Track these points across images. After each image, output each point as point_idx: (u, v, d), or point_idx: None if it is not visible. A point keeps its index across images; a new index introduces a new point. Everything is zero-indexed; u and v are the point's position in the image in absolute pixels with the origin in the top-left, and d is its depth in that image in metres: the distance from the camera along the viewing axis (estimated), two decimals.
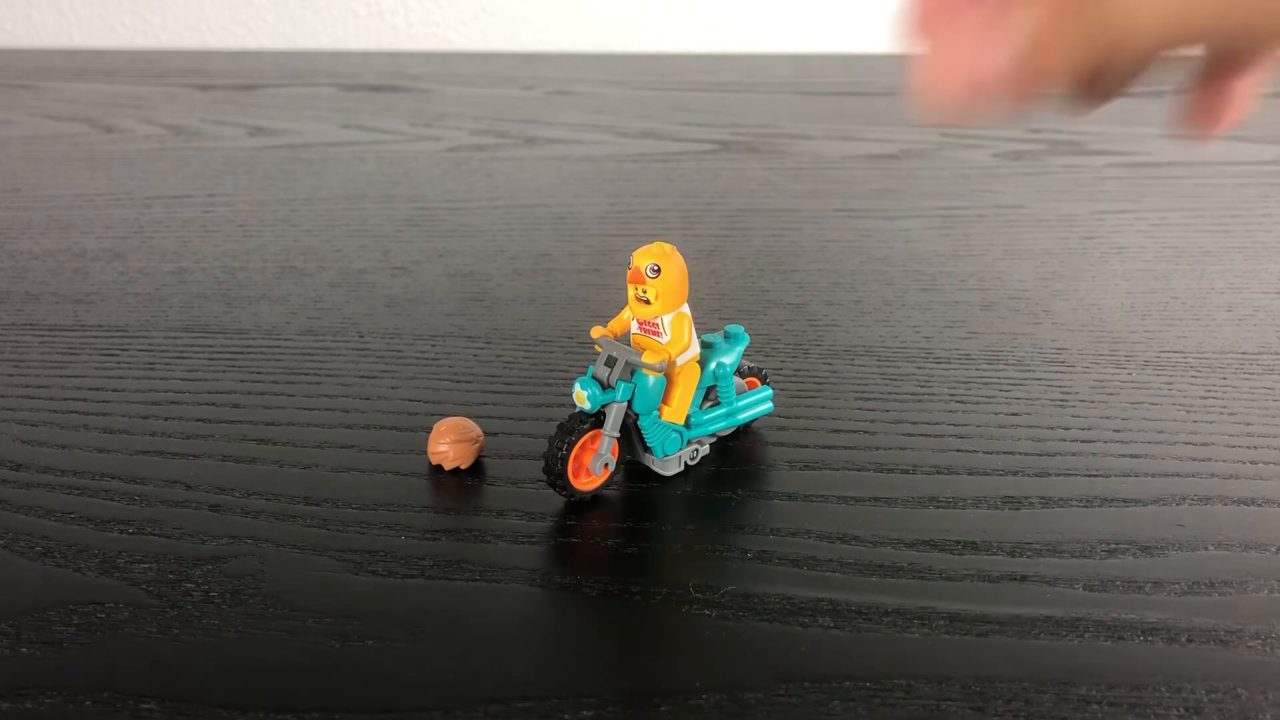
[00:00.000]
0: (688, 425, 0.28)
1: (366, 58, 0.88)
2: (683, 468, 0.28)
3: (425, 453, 0.29)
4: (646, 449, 0.27)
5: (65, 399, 0.33)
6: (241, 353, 0.36)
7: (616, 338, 0.27)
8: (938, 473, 0.29)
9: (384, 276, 0.43)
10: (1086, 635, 0.23)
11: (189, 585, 0.24)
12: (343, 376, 0.34)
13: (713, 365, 0.28)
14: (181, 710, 0.21)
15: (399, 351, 0.36)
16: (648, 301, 0.25)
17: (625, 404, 0.26)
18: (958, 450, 0.30)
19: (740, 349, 0.28)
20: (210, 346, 0.36)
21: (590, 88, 0.78)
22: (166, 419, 0.32)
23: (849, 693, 0.21)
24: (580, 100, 0.75)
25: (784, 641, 0.23)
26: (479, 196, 0.54)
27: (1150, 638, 0.22)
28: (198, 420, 0.31)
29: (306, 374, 0.34)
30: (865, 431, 0.31)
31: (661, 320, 0.26)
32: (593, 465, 0.27)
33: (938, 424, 0.31)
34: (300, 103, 0.74)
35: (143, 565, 0.25)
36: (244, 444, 0.30)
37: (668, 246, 0.25)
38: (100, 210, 0.51)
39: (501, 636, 0.23)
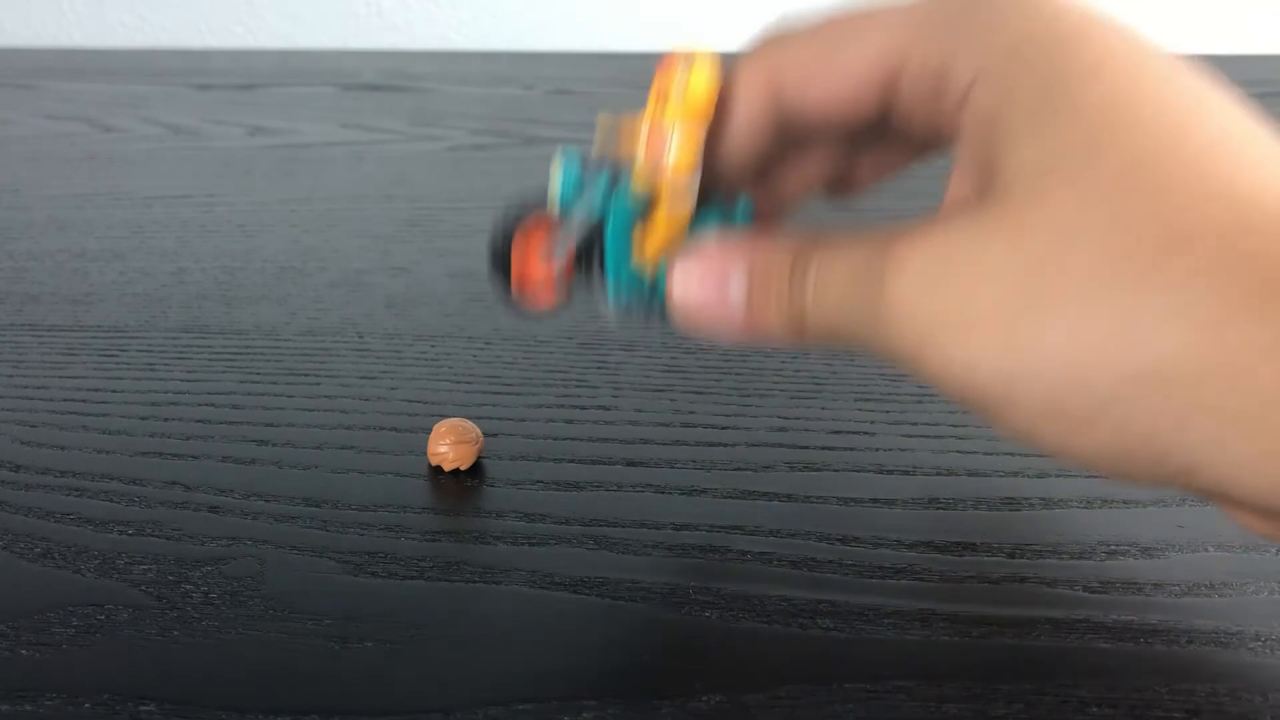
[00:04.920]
0: (655, 288, 0.23)
1: (366, 58, 0.88)
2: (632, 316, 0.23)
3: (425, 454, 0.29)
4: (602, 272, 0.23)
5: (64, 399, 0.33)
6: (241, 353, 0.36)
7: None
8: (938, 474, 0.29)
9: (384, 276, 0.43)
10: (1086, 636, 0.23)
11: (188, 587, 0.24)
12: (342, 377, 0.34)
13: (712, 216, 0.23)
14: (181, 712, 0.21)
15: (399, 352, 0.36)
16: (667, 101, 0.21)
17: (597, 224, 0.22)
18: (958, 451, 0.30)
19: (743, 218, 0.24)
20: (210, 347, 0.36)
21: (590, 88, 0.78)
22: (166, 420, 0.31)
23: (849, 693, 0.21)
24: (580, 100, 0.75)
25: (784, 643, 0.23)
26: (479, 196, 0.54)
27: (1150, 639, 0.22)
28: (197, 421, 0.31)
29: (306, 374, 0.34)
30: (865, 432, 0.31)
31: (672, 130, 0.22)
32: (543, 256, 0.23)
33: (938, 424, 0.31)
34: (300, 103, 0.74)
35: (142, 567, 0.25)
36: (243, 445, 0.30)
37: (712, 53, 0.22)
38: (100, 210, 0.51)
39: (501, 638, 0.23)
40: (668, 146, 0.22)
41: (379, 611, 0.23)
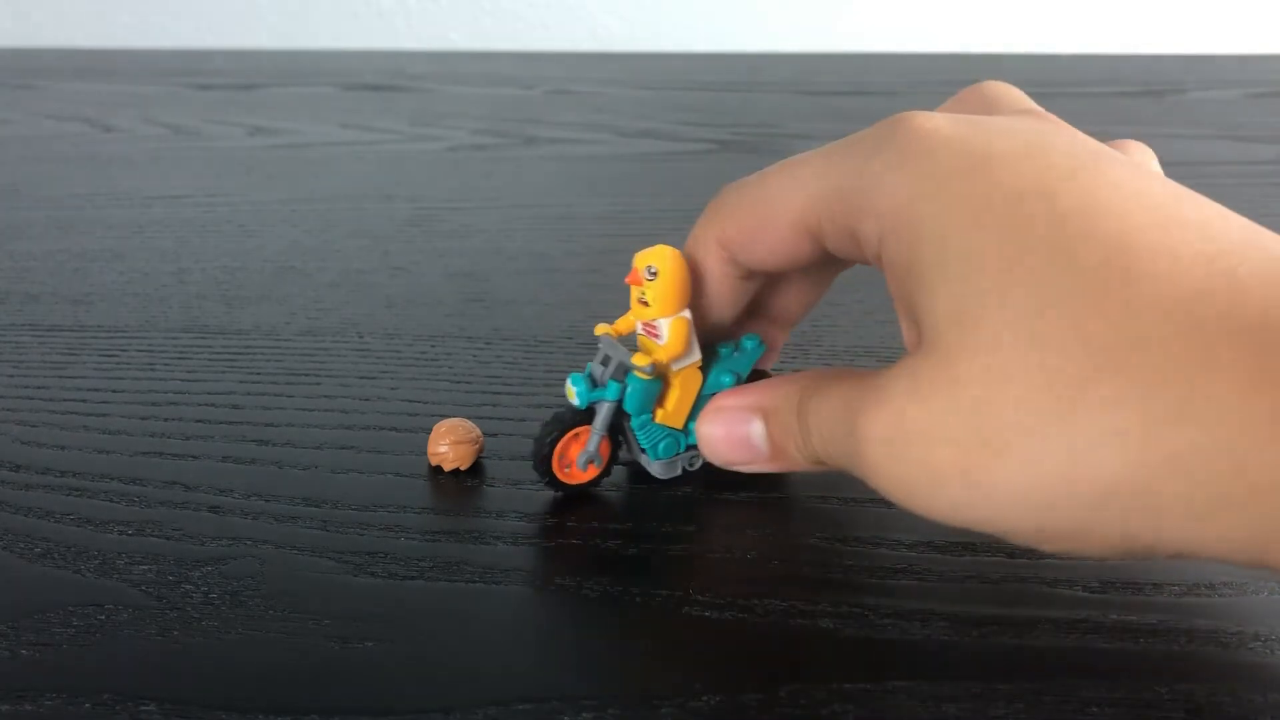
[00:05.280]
0: (685, 431, 0.27)
1: (366, 58, 0.88)
2: (680, 473, 0.28)
3: (425, 454, 0.29)
4: (642, 450, 0.28)
5: (65, 399, 0.33)
6: (241, 353, 0.36)
7: (621, 338, 0.27)
8: None
9: (384, 276, 0.43)
10: (1087, 636, 0.23)
11: (188, 587, 0.24)
12: (342, 377, 0.34)
13: (721, 376, 0.27)
14: (181, 712, 0.21)
15: (399, 352, 0.36)
16: (646, 304, 0.25)
17: (614, 404, 0.26)
18: None
19: (750, 360, 0.28)
20: (210, 347, 0.36)
21: (590, 88, 0.78)
22: (166, 420, 0.32)
23: (849, 693, 0.21)
24: (580, 100, 0.75)
25: (784, 643, 0.23)
26: (479, 196, 0.54)
27: (1150, 639, 0.22)
28: (197, 421, 0.31)
29: (306, 374, 0.34)
30: None
31: (660, 323, 0.25)
32: (579, 461, 0.27)
33: None
34: (300, 103, 0.74)
35: (142, 567, 0.25)
36: (244, 445, 0.30)
37: (669, 249, 0.25)
38: (100, 210, 0.51)
39: (501, 638, 0.23)
40: (661, 335, 0.26)
41: (379, 611, 0.23)
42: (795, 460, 0.24)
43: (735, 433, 0.25)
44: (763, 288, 0.27)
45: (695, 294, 0.26)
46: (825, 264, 0.27)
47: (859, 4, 0.92)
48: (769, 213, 0.24)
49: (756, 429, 0.24)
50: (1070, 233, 0.18)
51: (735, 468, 0.25)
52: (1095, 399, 0.17)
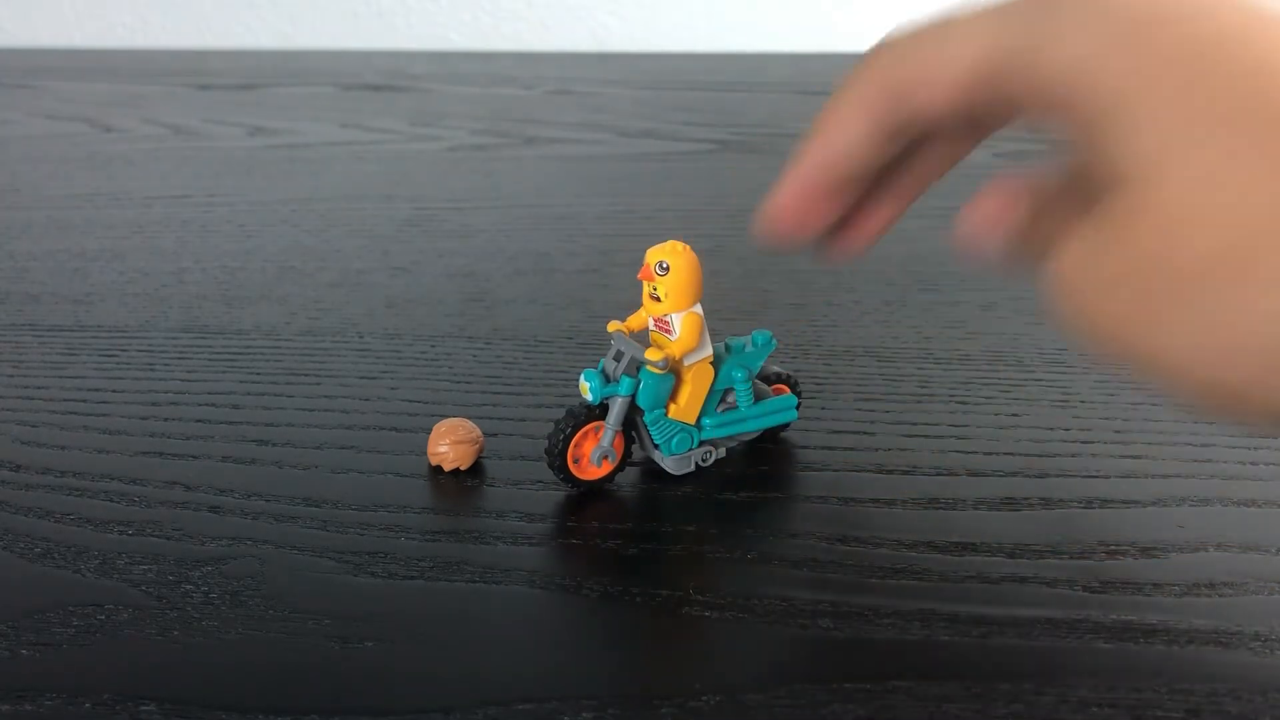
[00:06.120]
0: (699, 426, 0.28)
1: (366, 58, 0.88)
2: (694, 468, 0.28)
3: (425, 454, 0.29)
4: (655, 446, 0.28)
5: (65, 399, 0.33)
6: (241, 353, 0.36)
7: (633, 334, 0.27)
8: (938, 474, 0.29)
9: (384, 276, 0.43)
10: (1086, 636, 0.23)
11: (189, 587, 0.24)
12: (342, 377, 0.34)
13: (733, 371, 0.27)
14: (181, 712, 0.21)
15: (399, 352, 0.36)
16: (658, 299, 0.25)
17: (628, 398, 0.26)
18: (958, 451, 0.30)
19: (762, 355, 0.28)
20: (210, 347, 0.36)
21: (590, 88, 0.78)
22: (166, 419, 0.31)
23: (849, 693, 0.21)
24: (580, 100, 0.75)
25: (784, 643, 0.23)
26: (479, 196, 0.54)
27: (1150, 639, 0.22)
28: (197, 421, 0.31)
29: (306, 374, 0.34)
30: (865, 432, 0.31)
31: (672, 318, 0.26)
32: (592, 456, 0.27)
33: (938, 425, 0.31)
34: (300, 103, 0.74)
35: (142, 567, 0.25)
36: (244, 445, 0.30)
37: (680, 245, 0.25)
38: (100, 210, 0.51)
39: (501, 638, 0.23)
40: (673, 330, 0.26)
41: (379, 611, 0.23)
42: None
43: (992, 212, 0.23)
44: (895, 160, 0.26)
45: (834, 151, 0.24)
46: (964, 133, 0.26)
47: (859, 4, 0.92)
48: (944, 58, 0.23)
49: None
50: (1267, 83, 0.18)
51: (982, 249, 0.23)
52: (1276, 258, 0.17)
